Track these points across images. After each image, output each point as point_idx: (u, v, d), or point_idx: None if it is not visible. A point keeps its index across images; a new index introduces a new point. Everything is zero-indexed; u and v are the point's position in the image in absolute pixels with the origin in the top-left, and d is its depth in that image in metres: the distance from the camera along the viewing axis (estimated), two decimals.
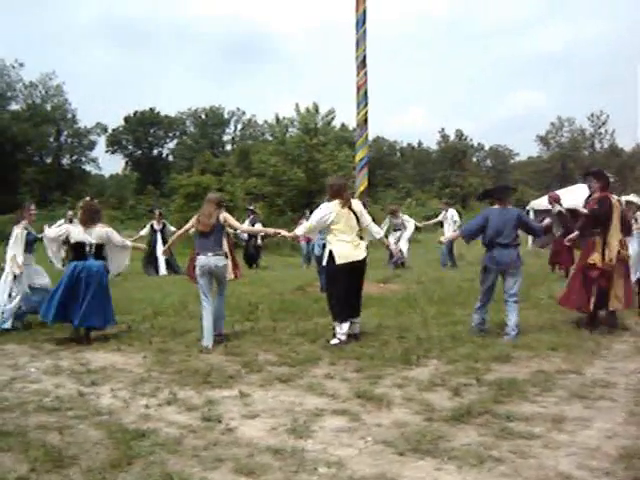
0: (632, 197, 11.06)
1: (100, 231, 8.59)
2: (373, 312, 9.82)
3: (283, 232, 8.86)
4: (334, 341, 7.72)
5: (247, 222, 19.58)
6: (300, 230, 8.57)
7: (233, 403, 5.53)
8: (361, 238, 8.08)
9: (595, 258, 8.20)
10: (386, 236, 18.75)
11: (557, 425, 4.80)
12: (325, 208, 7.99)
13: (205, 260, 8.07)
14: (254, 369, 6.65)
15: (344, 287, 7.86)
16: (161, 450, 4.40)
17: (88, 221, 8.57)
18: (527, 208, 25.59)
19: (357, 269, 7.94)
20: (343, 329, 7.76)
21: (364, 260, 7.98)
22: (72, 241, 8.55)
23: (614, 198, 8.50)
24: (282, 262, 21.12)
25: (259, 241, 19.76)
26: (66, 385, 6.22)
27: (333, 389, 5.87)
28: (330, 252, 7.90)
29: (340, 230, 7.87)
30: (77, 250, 8.52)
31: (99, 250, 8.57)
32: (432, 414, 5.10)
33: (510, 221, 8.15)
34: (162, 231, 18.44)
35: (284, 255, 24.00)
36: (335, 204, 7.93)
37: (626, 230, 8.75)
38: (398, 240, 18.39)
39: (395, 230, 18.60)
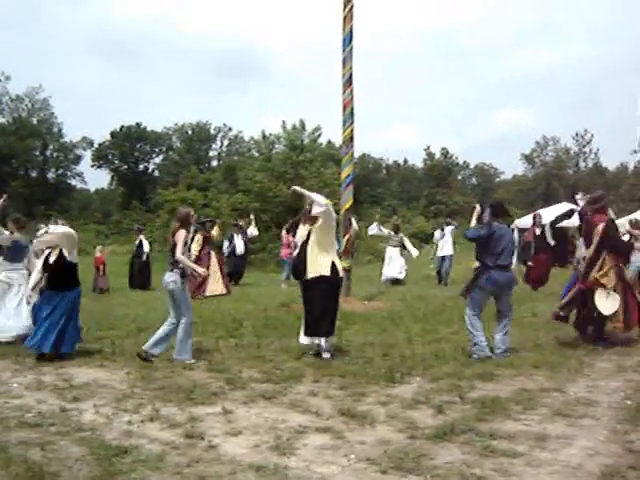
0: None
1: None
2: (357, 329, 9.84)
3: (200, 270, 8.53)
4: (327, 355, 7.90)
5: (239, 238, 19.47)
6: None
7: (216, 420, 5.52)
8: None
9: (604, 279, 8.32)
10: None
11: (540, 443, 4.81)
12: None
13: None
14: (238, 386, 6.63)
15: None
16: (143, 467, 4.38)
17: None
18: (512, 226, 25.66)
19: None
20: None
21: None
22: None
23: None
24: (267, 278, 21.07)
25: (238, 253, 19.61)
26: (48, 401, 6.17)
27: (317, 406, 5.86)
28: (333, 263, 7.96)
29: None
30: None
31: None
32: (415, 432, 5.11)
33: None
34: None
35: (269, 271, 23.96)
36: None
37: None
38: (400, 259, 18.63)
39: (394, 246, 18.72)
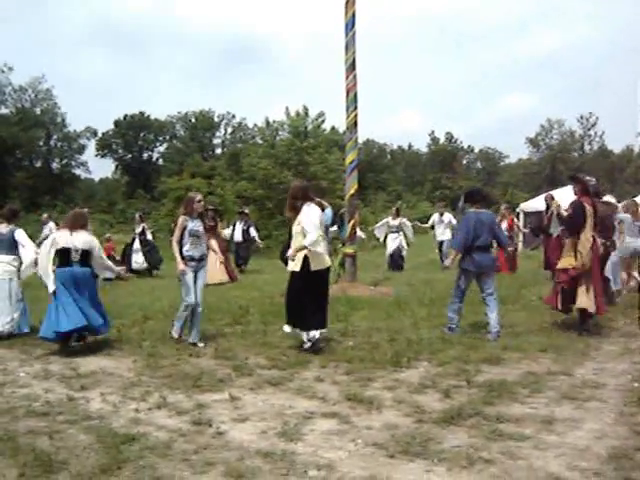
0: (609, 198, 10.94)
1: (86, 237, 8.16)
2: (364, 314, 9.84)
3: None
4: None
5: (240, 225, 19.33)
6: (309, 241, 7.36)
7: (223, 407, 5.53)
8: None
9: (565, 262, 8.25)
10: (385, 236, 19.01)
11: (547, 426, 4.81)
12: (317, 210, 7.68)
13: None
14: (244, 372, 6.64)
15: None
16: (151, 454, 4.39)
17: (74, 224, 8.13)
18: (517, 210, 25.56)
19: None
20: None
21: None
22: (58, 247, 8.01)
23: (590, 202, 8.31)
24: (272, 265, 21.04)
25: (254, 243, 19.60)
26: (56, 389, 6.19)
27: (323, 392, 5.87)
28: (306, 257, 7.49)
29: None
30: (62, 256, 8.01)
31: (85, 257, 8.09)
32: (422, 416, 5.11)
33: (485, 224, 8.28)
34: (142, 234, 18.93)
35: (274, 258, 23.92)
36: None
37: (607, 232, 8.85)
38: (398, 244, 18.50)
39: (392, 232, 18.63)
